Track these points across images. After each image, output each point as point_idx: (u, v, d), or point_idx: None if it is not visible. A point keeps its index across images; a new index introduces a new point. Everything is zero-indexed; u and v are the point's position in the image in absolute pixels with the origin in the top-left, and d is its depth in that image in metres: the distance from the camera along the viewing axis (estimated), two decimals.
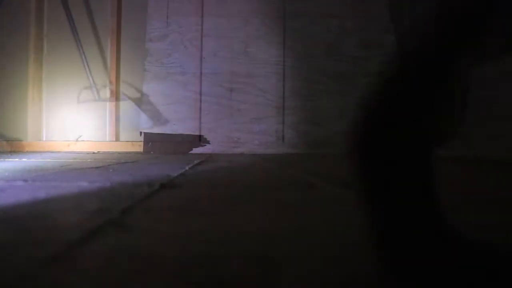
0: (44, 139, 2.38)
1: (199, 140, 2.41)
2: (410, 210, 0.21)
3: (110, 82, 2.41)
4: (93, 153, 2.01)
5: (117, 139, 2.43)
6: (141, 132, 2.32)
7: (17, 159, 1.43)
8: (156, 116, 2.35)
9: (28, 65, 2.37)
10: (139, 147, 2.38)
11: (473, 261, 0.21)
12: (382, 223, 0.21)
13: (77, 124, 2.34)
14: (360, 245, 0.31)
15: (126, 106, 2.46)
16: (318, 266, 0.27)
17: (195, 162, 1.34)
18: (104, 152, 2.20)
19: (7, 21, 2.36)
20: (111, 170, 0.98)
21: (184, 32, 2.39)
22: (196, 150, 2.38)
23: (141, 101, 2.35)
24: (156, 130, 2.35)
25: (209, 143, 2.40)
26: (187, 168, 1.08)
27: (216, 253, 0.30)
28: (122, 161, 1.36)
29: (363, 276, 0.25)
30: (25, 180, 0.73)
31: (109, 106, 2.43)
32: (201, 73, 2.42)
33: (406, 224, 0.21)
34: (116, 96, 2.44)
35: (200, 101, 2.41)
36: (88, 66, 2.28)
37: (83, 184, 0.69)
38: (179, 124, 2.42)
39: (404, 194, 0.21)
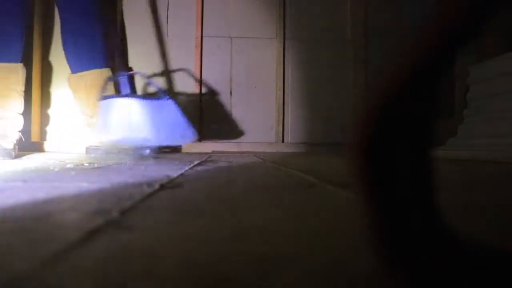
0: (46, 139, 2.37)
1: (199, 140, 2.41)
2: (410, 211, 0.21)
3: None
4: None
5: None
6: None
7: (17, 159, 1.43)
8: None
9: (32, 67, 2.36)
10: None
11: (473, 262, 0.20)
12: (381, 224, 0.21)
13: (77, 123, 2.34)
14: (361, 246, 0.31)
15: None
16: (319, 266, 0.27)
17: (195, 162, 1.34)
18: None
19: None
20: (111, 171, 0.98)
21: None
22: (196, 150, 2.38)
23: None
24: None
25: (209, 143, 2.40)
26: (187, 168, 1.08)
27: (217, 253, 0.30)
28: (122, 162, 1.36)
29: (364, 276, 0.25)
30: (24, 181, 0.73)
31: None
32: (201, 72, 2.42)
33: (405, 225, 0.21)
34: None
35: (201, 102, 2.41)
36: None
37: (83, 185, 0.69)
38: None
39: (404, 194, 0.21)
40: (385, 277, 0.21)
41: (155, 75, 2.33)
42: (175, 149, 2.36)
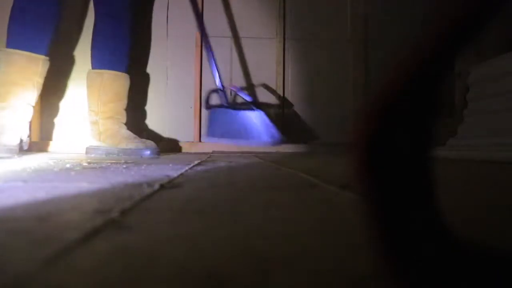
0: (46, 139, 2.37)
1: (199, 140, 2.41)
2: (410, 211, 0.21)
3: None
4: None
5: None
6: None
7: (17, 159, 1.43)
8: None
9: None
10: None
11: (473, 263, 0.20)
12: (382, 224, 0.21)
13: (75, 122, 2.34)
14: (361, 246, 0.31)
15: None
16: (318, 267, 0.27)
17: (195, 162, 1.34)
18: None
19: None
20: (111, 171, 0.98)
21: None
22: (196, 150, 2.38)
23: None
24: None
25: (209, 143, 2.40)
26: (187, 168, 1.08)
27: (217, 253, 0.30)
28: (122, 162, 1.36)
29: (363, 276, 0.25)
30: (24, 181, 0.73)
31: None
32: (201, 72, 2.42)
33: (406, 225, 0.21)
34: None
35: (200, 102, 2.41)
36: None
37: (83, 185, 0.69)
38: (180, 124, 2.42)
39: (404, 194, 0.21)
40: (385, 277, 0.21)
41: (242, 88, 2.40)
42: (175, 149, 2.36)
